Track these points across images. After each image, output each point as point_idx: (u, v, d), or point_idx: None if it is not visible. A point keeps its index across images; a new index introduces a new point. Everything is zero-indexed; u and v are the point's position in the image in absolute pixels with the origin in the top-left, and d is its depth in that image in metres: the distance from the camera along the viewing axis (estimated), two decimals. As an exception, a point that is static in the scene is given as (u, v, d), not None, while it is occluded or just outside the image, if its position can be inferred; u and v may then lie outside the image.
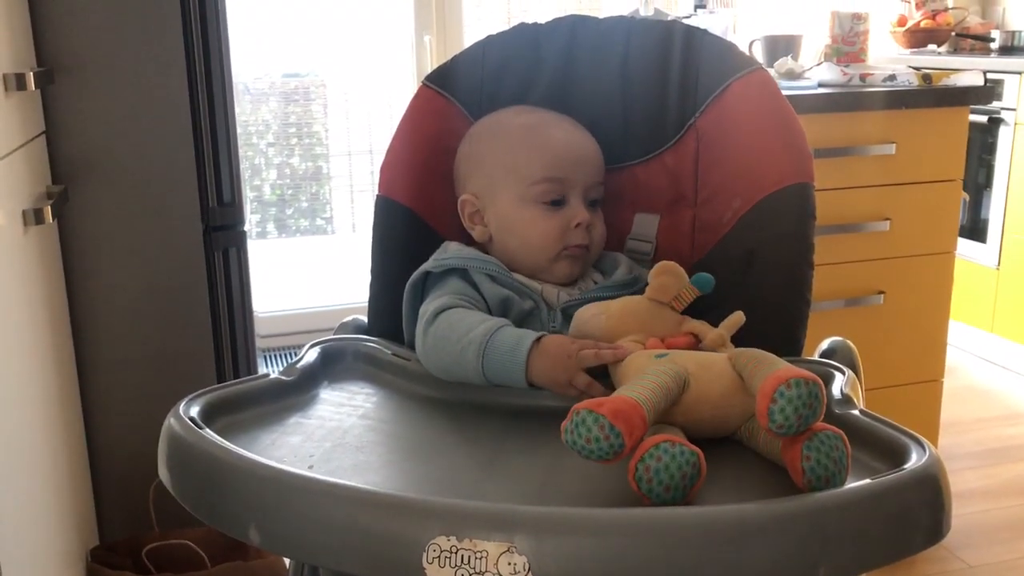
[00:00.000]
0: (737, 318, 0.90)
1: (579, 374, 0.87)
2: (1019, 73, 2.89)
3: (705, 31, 1.10)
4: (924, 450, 0.69)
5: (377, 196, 1.11)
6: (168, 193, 1.63)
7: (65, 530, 1.48)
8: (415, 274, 1.02)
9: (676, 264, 0.95)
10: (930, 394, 2.14)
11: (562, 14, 1.15)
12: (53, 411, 1.47)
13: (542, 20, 1.15)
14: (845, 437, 0.70)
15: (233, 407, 0.85)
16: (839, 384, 0.85)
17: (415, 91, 1.14)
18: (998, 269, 3.01)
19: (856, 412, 0.79)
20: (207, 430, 0.76)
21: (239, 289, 1.69)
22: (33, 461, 1.34)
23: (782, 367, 0.73)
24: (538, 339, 0.89)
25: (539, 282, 1.02)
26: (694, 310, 0.94)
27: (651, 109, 1.10)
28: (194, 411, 0.80)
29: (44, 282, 1.47)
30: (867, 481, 0.66)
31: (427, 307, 0.97)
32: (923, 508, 0.66)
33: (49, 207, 1.37)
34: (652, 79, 1.10)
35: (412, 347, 1.00)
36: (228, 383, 0.88)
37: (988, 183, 3.04)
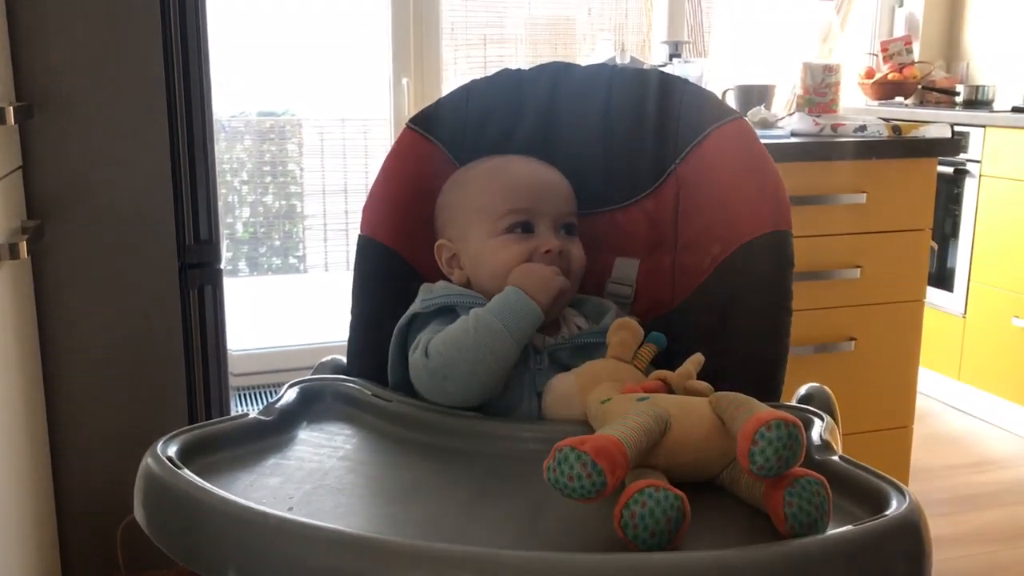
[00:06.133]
0: (698, 358, 0.92)
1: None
2: (983, 126, 2.96)
3: (686, 80, 1.12)
4: (904, 497, 0.70)
5: (359, 236, 1.11)
6: (145, 230, 1.62)
7: (28, 571, 1.44)
8: (404, 317, 1.02)
9: (631, 320, 0.98)
10: (900, 441, 2.16)
11: (538, 60, 1.16)
12: (20, 447, 1.44)
13: (519, 66, 1.17)
14: (827, 483, 0.71)
15: (211, 447, 0.84)
16: (818, 430, 0.85)
17: (399, 133, 1.14)
18: (964, 317, 3.06)
19: (836, 458, 0.80)
20: (185, 470, 0.75)
21: (214, 327, 1.67)
22: (-2, 500, 1.31)
23: (763, 410, 0.74)
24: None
25: None
26: (671, 358, 0.95)
27: (632, 155, 1.12)
28: (172, 451, 0.79)
29: (16, 317, 1.45)
30: (849, 527, 0.66)
31: (414, 350, 0.98)
32: (904, 555, 0.66)
33: (24, 242, 1.36)
34: (633, 126, 1.11)
35: (395, 389, 0.99)
36: (206, 423, 0.87)
37: (955, 233, 3.10)
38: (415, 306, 1.02)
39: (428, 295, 1.03)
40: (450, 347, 0.94)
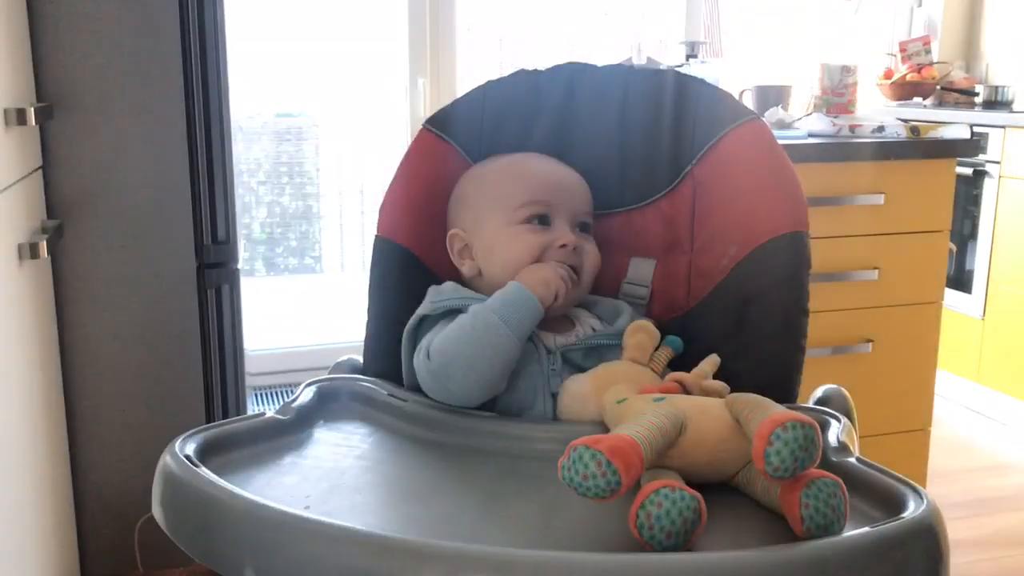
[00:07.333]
0: (714, 359, 0.93)
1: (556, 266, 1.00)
2: (1003, 127, 2.94)
3: (702, 80, 1.12)
4: (922, 499, 0.70)
5: (376, 237, 1.11)
6: (163, 230, 1.63)
7: (47, 568, 1.45)
8: (412, 319, 1.02)
9: (648, 322, 0.99)
10: (918, 443, 2.15)
11: (555, 60, 1.16)
12: (39, 446, 1.45)
13: (536, 67, 1.17)
14: (843, 485, 0.70)
15: (228, 446, 0.85)
16: (835, 431, 0.85)
17: (415, 134, 1.15)
18: (983, 320, 3.03)
19: (853, 460, 0.79)
20: (203, 469, 0.76)
21: (231, 327, 1.68)
22: (16, 496, 1.32)
23: (779, 411, 0.73)
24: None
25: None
26: (687, 359, 0.95)
27: (648, 156, 1.11)
28: (189, 449, 0.79)
29: (36, 316, 1.46)
30: (866, 529, 0.66)
31: (418, 353, 0.98)
32: (922, 557, 0.66)
33: (44, 242, 1.37)
34: (649, 126, 1.11)
35: (411, 390, 1.00)
36: (224, 421, 0.87)
37: (973, 234, 3.08)
38: (423, 308, 1.02)
39: (436, 297, 1.03)
40: (449, 345, 0.94)
